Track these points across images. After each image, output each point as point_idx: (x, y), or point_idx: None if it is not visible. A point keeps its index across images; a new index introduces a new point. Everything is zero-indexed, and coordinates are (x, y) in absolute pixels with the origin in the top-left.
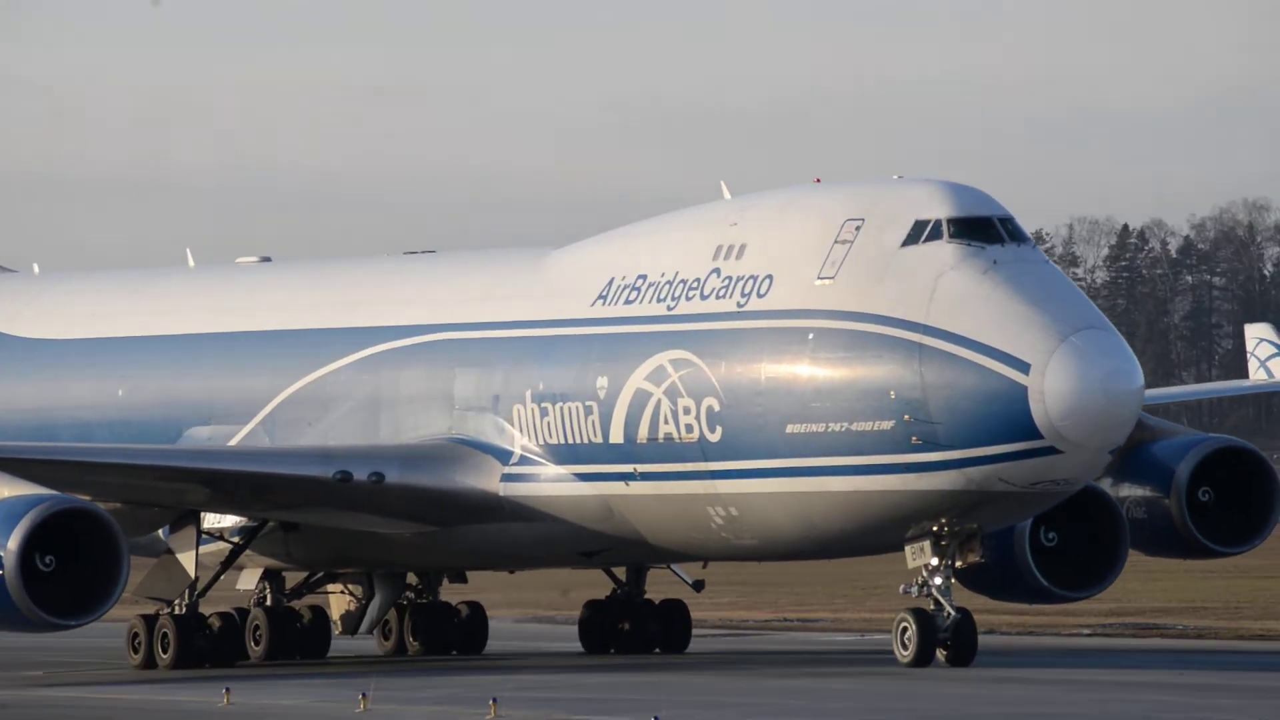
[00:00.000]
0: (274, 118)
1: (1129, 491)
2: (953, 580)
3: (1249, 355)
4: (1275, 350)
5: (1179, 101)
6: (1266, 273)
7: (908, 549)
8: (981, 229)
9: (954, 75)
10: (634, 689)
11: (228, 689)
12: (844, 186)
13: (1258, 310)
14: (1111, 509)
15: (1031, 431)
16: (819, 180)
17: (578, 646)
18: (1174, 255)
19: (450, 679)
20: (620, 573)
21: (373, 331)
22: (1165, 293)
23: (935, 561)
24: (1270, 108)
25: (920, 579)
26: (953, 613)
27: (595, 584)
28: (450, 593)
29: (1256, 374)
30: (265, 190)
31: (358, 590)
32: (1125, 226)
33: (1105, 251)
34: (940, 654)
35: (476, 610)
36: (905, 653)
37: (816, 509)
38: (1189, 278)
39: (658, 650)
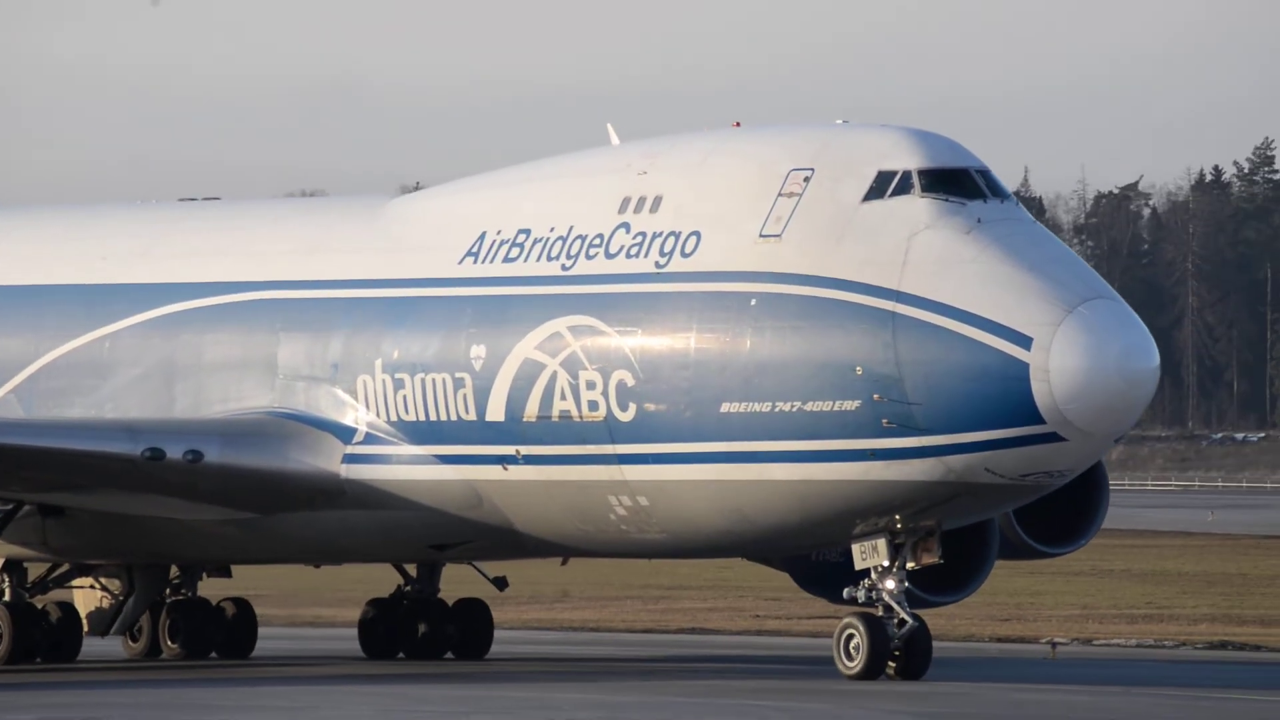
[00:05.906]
0: None
1: None
2: (906, 584)
3: None
4: None
5: None
6: None
7: (856, 548)
8: (958, 182)
9: None
10: None
11: None
12: (779, 131)
13: None
14: None
15: (1032, 415)
16: (738, 125)
17: (358, 649)
18: None
19: None
20: (411, 568)
21: (165, 289)
22: None
23: (888, 563)
24: None
25: (869, 582)
26: (909, 620)
27: (380, 580)
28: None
29: None
30: None
31: (113, 584)
32: None
33: None
34: (889, 667)
35: (244, 609)
36: (851, 664)
37: (752, 500)
38: None
39: (450, 655)
